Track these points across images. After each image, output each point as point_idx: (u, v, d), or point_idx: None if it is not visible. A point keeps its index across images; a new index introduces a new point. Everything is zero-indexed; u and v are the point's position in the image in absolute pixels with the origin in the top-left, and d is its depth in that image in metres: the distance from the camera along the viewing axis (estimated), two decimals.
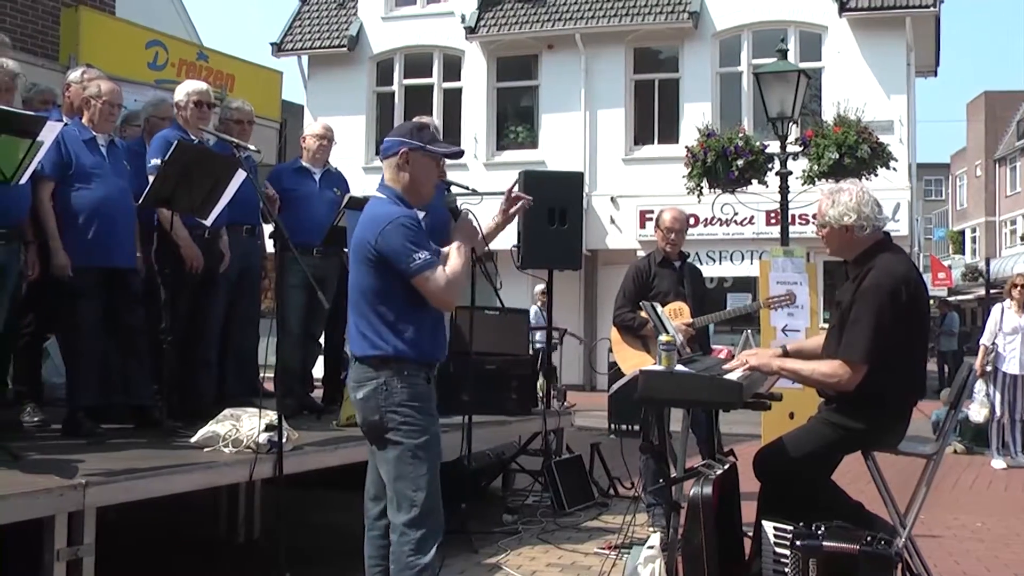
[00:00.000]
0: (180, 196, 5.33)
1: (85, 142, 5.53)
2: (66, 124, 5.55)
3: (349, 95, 21.48)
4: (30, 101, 6.28)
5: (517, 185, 3.90)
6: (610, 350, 6.93)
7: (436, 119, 20.44)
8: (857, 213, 4.25)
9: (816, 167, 13.48)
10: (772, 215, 17.04)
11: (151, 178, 5.51)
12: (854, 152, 13.37)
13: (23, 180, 4.67)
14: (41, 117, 4.56)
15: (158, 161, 5.61)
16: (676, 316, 6.27)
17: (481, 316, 6.91)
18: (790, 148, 11.91)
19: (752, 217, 18.13)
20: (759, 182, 13.70)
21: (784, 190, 11.39)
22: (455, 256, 3.65)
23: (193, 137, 5.98)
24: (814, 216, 4.47)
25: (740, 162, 13.52)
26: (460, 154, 3.95)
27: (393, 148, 3.72)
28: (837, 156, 13.33)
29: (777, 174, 11.70)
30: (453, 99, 21.29)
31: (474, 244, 3.80)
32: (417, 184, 3.72)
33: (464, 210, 3.85)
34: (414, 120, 3.90)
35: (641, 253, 7.98)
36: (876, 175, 13.62)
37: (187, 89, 6.18)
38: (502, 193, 3.99)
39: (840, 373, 4.07)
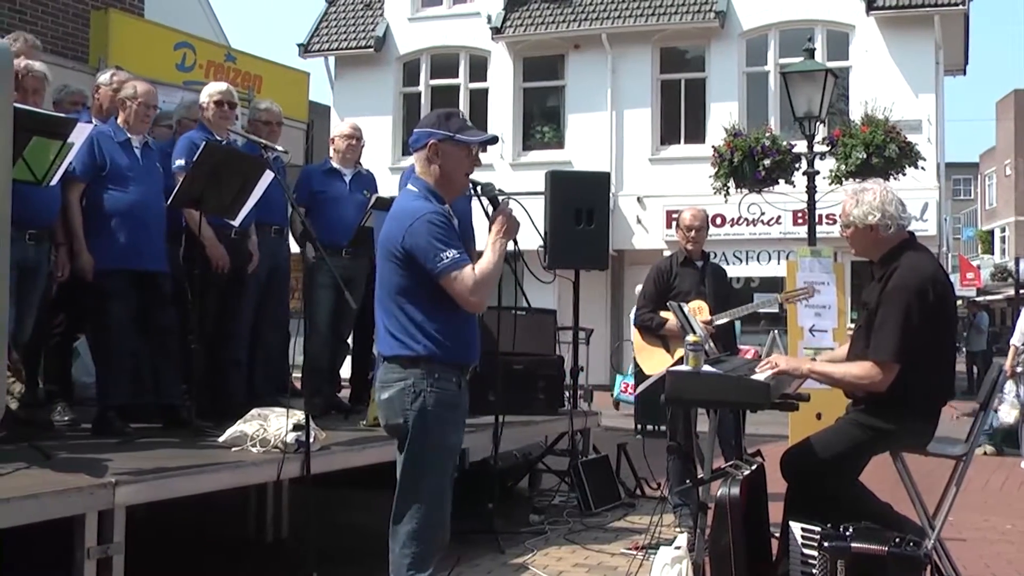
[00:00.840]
0: (209, 197, 5.36)
1: (120, 144, 5.57)
2: (97, 126, 5.60)
3: (376, 96, 21.53)
4: (60, 103, 6.35)
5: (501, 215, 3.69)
6: (634, 351, 6.91)
7: None
8: (881, 212, 4.22)
9: (844, 167, 13.38)
10: (799, 215, 16.93)
11: (177, 178, 5.55)
12: (882, 151, 13.27)
13: (54, 182, 4.71)
14: (71, 119, 4.61)
15: (182, 161, 5.65)
16: (695, 315, 6.26)
17: (508, 316, 6.91)
18: (817, 148, 11.84)
19: (779, 217, 18.04)
20: (786, 182, 13.63)
21: (811, 190, 11.33)
22: (489, 253, 3.48)
23: (219, 138, 6.01)
24: (841, 216, 4.44)
25: (767, 162, 13.44)
26: (493, 140, 3.71)
27: (421, 140, 3.58)
28: (865, 156, 13.23)
29: (804, 174, 11.64)
30: (479, 99, 21.30)
31: (513, 236, 3.55)
32: (448, 176, 3.56)
33: (504, 199, 3.65)
34: (443, 109, 3.69)
35: (668, 253, 7.94)
36: (904, 174, 13.51)
37: (209, 90, 6.22)
38: (527, 193, 3.95)
39: (872, 374, 4.05)
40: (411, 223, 3.42)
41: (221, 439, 4.96)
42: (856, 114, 15.78)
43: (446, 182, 3.57)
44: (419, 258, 3.40)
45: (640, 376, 6.54)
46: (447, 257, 3.37)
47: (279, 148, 5.59)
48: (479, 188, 3.75)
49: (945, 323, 4.17)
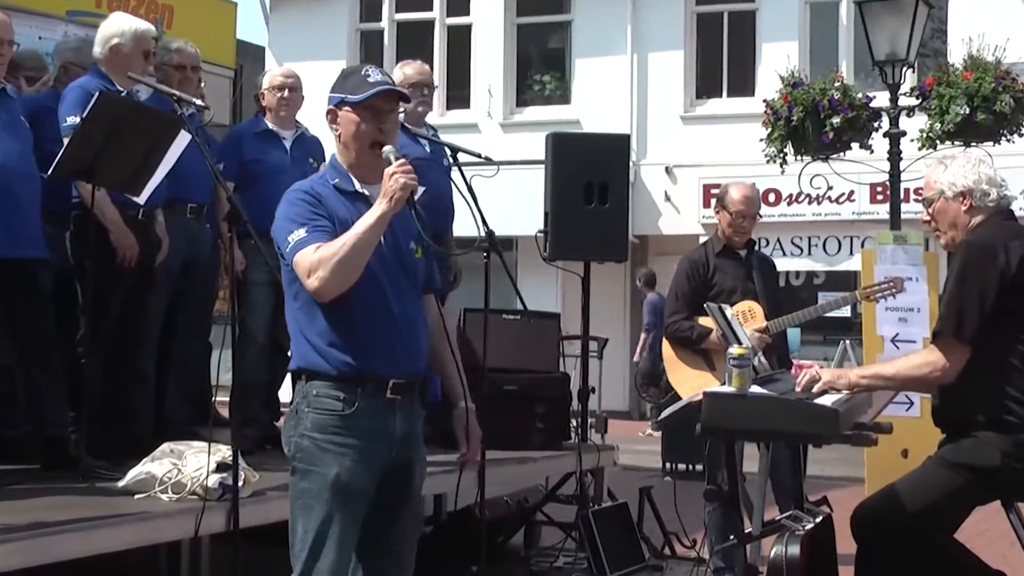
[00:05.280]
0: (104, 165, 5.35)
1: None
2: None
3: (324, 34, 21.48)
4: None
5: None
6: (663, 368, 6.91)
7: (437, 65, 20.51)
8: (977, 175, 4.25)
9: (939, 125, 13.34)
10: (878, 189, 16.94)
11: (66, 141, 5.53)
12: (990, 105, 13.21)
13: None
14: None
15: (76, 119, 5.63)
16: (746, 320, 6.27)
17: (498, 322, 6.90)
18: (904, 101, 11.85)
19: (852, 192, 18.03)
20: (861, 146, 13.61)
21: (895, 156, 11.34)
22: (356, 226, 3.64)
23: (120, 88, 5.99)
24: (923, 190, 4.46)
25: (836, 120, 13.42)
26: (389, 91, 3.83)
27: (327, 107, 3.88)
28: (967, 110, 13.19)
29: (886, 135, 11.65)
30: (460, 39, 21.27)
31: (396, 198, 3.63)
32: (348, 147, 3.84)
33: (386, 150, 3.76)
34: (351, 66, 3.97)
35: (705, 239, 7.94)
36: (1021, 135, 13.47)
37: (117, 28, 6.15)
38: (522, 162, 4.01)
39: (932, 359, 4.07)
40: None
41: (121, 483, 4.95)
42: (957, 56, 15.74)
43: (348, 154, 3.85)
44: (278, 247, 3.72)
45: (674, 401, 6.53)
46: (293, 239, 3.64)
47: (197, 101, 5.59)
48: (455, 157, 4.00)
49: None
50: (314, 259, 3.59)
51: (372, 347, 3.71)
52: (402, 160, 3.70)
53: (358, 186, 3.83)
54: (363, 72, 3.86)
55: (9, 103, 5.70)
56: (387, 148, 3.75)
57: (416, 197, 3.68)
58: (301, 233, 3.64)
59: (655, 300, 15.02)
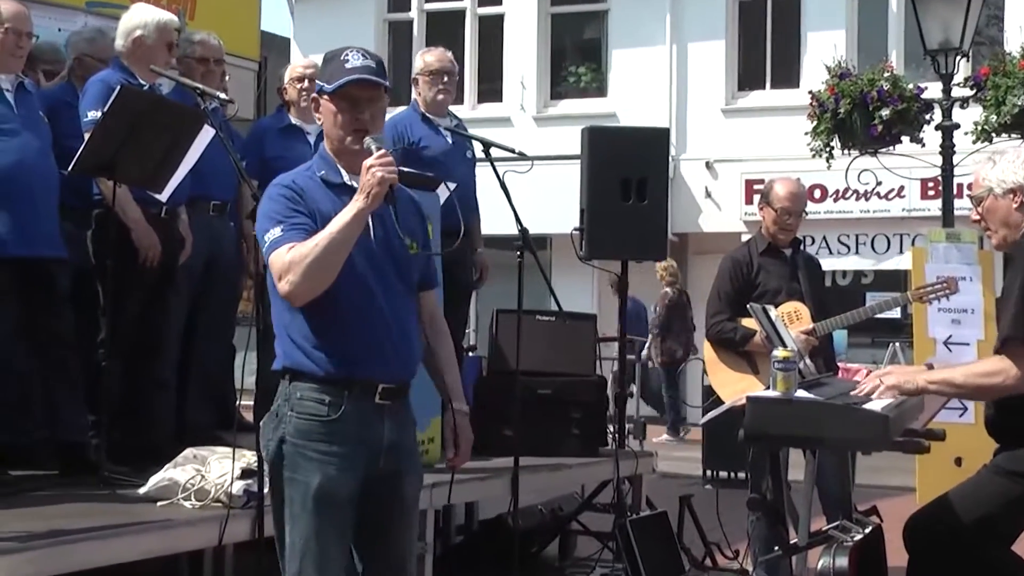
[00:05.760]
0: (125, 161, 5.37)
1: None
2: None
3: (351, 25, 21.53)
4: None
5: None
6: (704, 372, 6.88)
7: (468, 57, 20.54)
8: None
9: (994, 117, 13.25)
10: (930, 185, 16.84)
11: (87, 136, 5.54)
12: None
13: None
14: None
15: (98, 114, 5.64)
16: (791, 321, 6.25)
17: (532, 323, 6.89)
18: (957, 92, 11.75)
19: (902, 188, 17.93)
20: (912, 140, 13.55)
21: (948, 150, 11.24)
22: (330, 224, 3.56)
23: (142, 82, 6.02)
24: (972, 187, 4.42)
25: (885, 112, 13.36)
26: (368, 82, 3.71)
27: None
28: None
29: (938, 128, 11.56)
30: (492, 30, 21.28)
31: (373, 193, 3.53)
32: (328, 137, 3.81)
33: (366, 140, 3.66)
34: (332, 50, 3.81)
35: (748, 237, 7.90)
36: None
37: (140, 19, 6.18)
38: (557, 158, 3.99)
39: (1002, 367, 4.03)
40: None
41: (142, 490, 4.97)
42: (1014, 44, 15.62)
43: (332, 145, 3.80)
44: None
45: (715, 406, 6.51)
46: (268, 238, 3.61)
47: (221, 95, 5.59)
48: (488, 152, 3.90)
49: None
50: (285, 261, 3.53)
51: (360, 348, 3.64)
52: (382, 152, 3.60)
53: (346, 178, 3.74)
54: (342, 57, 3.75)
55: (28, 98, 5.72)
56: (368, 138, 3.65)
57: (396, 190, 3.60)
58: (276, 232, 3.59)
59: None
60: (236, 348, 7.14)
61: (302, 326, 3.65)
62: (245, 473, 4.80)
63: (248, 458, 4.84)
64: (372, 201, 3.52)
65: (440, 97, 7.09)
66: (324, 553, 3.63)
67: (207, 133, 5.52)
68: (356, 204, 3.53)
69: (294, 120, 7.03)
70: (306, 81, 6.96)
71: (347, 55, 3.72)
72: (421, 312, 3.94)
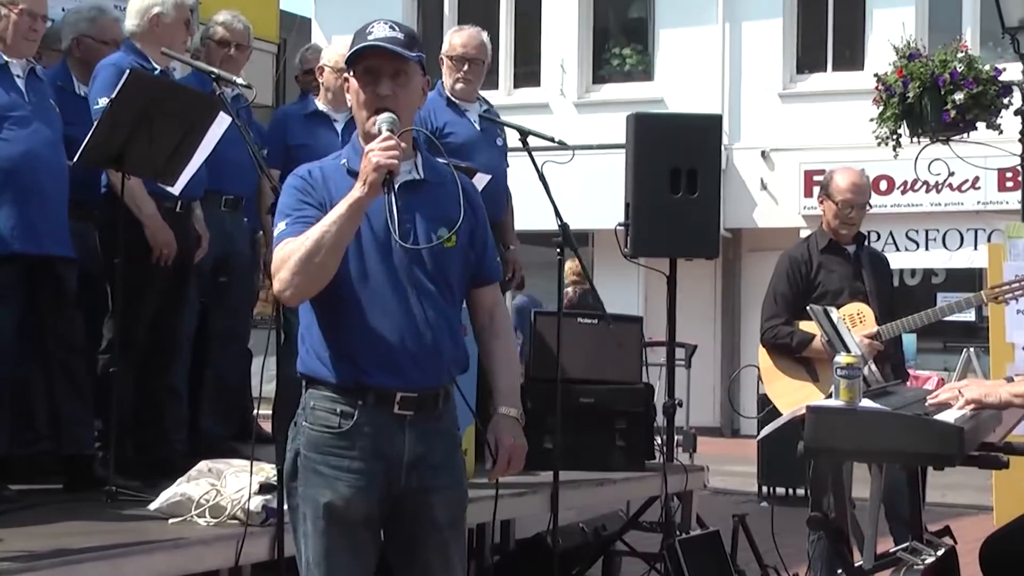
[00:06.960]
0: (135, 151, 5.39)
1: None
2: None
3: (377, 4, 21.54)
4: None
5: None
6: (760, 380, 6.87)
7: (504, 38, 20.55)
8: None
9: None
10: (1008, 175, 16.76)
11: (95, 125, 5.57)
12: None
13: None
14: None
15: (108, 100, 5.67)
16: (855, 324, 6.24)
17: (573, 326, 6.90)
18: None
19: (977, 179, 17.85)
20: (988, 126, 13.48)
21: None
22: (324, 218, 3.53)
23: (156, 65, 6.05)
24: None
25: (959, 96, 13.30)
26: (384, 50, 3.64)
27: None
28: None
29: (1017, 113, 11.51)
30: (530, 9, 21.30)
31: (371, 179, 3.47)
32: (356, 120, 3.80)
33: (379, 120, 3.60)
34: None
35: (807, 233, 7.88)
36: None
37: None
38: (600, 147, 3.99)
39: None
40: None
41: (153, 506, 5.00)
42: None
43: (359, 130, 3.78)
44: None
45: (771, 415, 6.50)
46: (275, 233, 3.63)
47: (240, 81, 5.59)
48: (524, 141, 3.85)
49: None
50: (278, 258, 3.53)
51: (369, 353, 3.59)
52: (385, 135, 3.51)
53: None
54: (368, 29, 3.69)
55: (40, 85, 5.75)
56: (377, 118, 3.59)
57: (396, 178, 3.55)
58: (281, 227, 3.60)
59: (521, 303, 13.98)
60: (253, 353, 7.17)
61: (317, 329, 3.65)
62: (263, 488, 4.81)
63: (267, 472, 4.86)
64: (369, 190, 3.46)
65: (459, 86, 7.07)
66: (342, 566, 3.64)
67: (223, 121, 5.53)
68: (352, 194, 3.49)
69: (321, 106, 7.02)
70: None
71: (373, 26, 3.68)
72: (477, 310, 3.90)
